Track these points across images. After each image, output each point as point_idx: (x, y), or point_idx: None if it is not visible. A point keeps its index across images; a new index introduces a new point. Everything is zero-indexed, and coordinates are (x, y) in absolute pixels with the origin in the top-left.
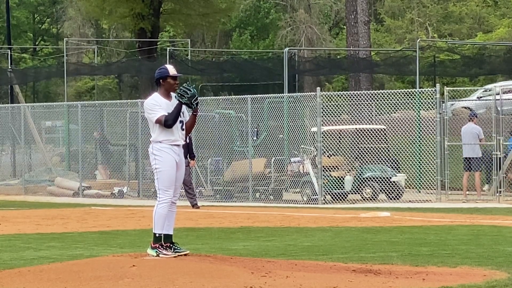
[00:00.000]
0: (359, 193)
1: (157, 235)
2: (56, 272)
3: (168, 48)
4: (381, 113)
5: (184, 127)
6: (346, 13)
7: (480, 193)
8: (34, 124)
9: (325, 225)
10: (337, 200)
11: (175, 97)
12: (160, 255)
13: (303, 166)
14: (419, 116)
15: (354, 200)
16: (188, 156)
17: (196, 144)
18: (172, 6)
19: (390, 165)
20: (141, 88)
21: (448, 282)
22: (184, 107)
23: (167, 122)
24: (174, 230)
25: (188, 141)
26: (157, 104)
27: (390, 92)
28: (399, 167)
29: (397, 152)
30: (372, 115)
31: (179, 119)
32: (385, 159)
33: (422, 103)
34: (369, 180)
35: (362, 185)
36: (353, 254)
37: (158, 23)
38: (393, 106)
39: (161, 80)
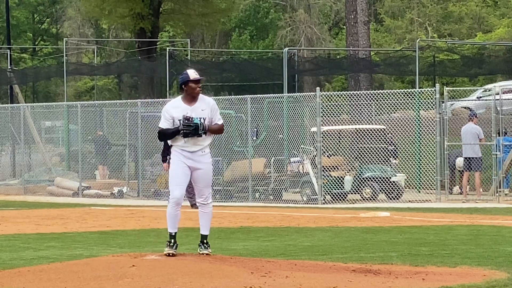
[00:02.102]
0: (358, 193)
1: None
2: (56, 272)
3: (167, 48)
4: (380, 113)
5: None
6: (346, 13)
7: (480, 193)
8: (33, 124)
9: (324, 225)
10: (337, 200)
11: (180, 133)
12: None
13: (302, 166)
14: (418, 116)
15: (353, 200)
16: None
17: None
18: (171, 6)
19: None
20: (140, 88)
21: (448, 282)
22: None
23: (158, 137)
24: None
25: None
26: (167, 113)
27: (390, 92)
28: (397, 153)
29: (396, 152)
30: (372, 115)
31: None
32: (385, 159)
33: (421, 103)
34: (368, 180)
35: (361, 185)
36: (352, 254)
37: (157, 23)
38: (392, 106)
39: (183, 86)
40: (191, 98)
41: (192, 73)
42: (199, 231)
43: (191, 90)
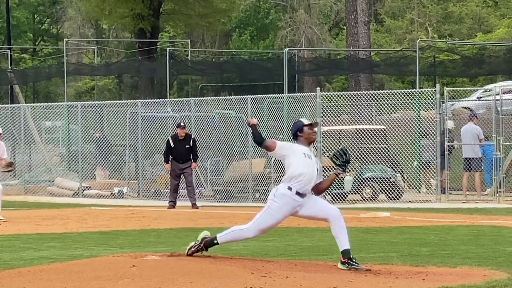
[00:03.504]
0: (359, 193)
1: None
2: (56, 272)
3: (168, 49)
4: (381, 113)
5: (315, 182)
6: (346, 14)
7: (480, 193)
8: (34, 124)
9: (325, 225)
10: (337, 200)
11: (329, 156)
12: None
13: None
14: (419, 116)
15: (354, 200)
16: (192, 158)
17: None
18: (172, 6)
19: (390, 165)
20: (141, 88)
21: (448, 282)
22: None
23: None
24: (175, 231)
25: (192, 143)
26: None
27: (390, 92)
28: (398, 167)
29: (397, 152)
30: (372, 115)
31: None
32: (385, 159)
33: (422, 103)
34: (369, 180)
35: (362, 185)
36: (353, 254)
37: (158, 23)
38: (393, 106)
39: (298, 132)
40: (306, 143)
41: (305, 120)
42: (199, 231)
43: (307, 135)
